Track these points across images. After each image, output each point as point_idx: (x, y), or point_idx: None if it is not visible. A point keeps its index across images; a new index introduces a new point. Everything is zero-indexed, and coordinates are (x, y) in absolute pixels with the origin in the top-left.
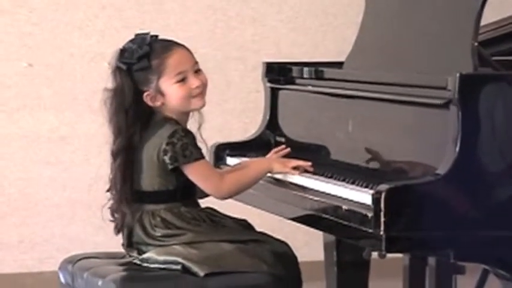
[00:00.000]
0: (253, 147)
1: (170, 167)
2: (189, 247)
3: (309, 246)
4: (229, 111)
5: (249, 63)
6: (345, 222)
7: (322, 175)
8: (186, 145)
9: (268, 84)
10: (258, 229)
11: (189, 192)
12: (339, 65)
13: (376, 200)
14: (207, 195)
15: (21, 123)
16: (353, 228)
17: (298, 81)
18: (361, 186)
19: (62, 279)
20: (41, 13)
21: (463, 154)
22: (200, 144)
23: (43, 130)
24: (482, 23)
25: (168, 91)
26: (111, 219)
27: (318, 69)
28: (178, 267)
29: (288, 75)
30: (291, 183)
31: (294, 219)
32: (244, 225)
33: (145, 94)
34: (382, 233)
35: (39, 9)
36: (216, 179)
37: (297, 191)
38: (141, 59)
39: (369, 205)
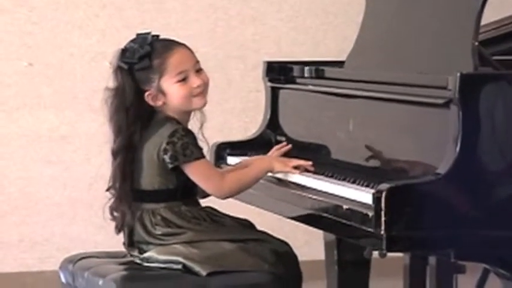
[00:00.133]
0: (254, 146)
1: (170, 166)
2: (190, 246)
3: (309, 245)
4: (230, 111)
5: (250, 62)
6: (346, 222)
7: (322, 174)
8: (186, 144)
9: (269, 84)
10: (258, 228)
11: (189, 192)
12: (339, 64)
13: (376, 199)
14: (208, 195)
15: (22, 123)
16: (354, 227)
17: (298, 80)
18: (362, 185)
19: (63, 279)
20: (41, 12)
21: (464, 153)
22: (202, 143)
23: (43, 129)
24: (483, 22)
25: (170, 90)
26: (111, 218)
27: (318, 69)
28: (179, 266)
29: (289, 75)
30: (291, 182)
31: (294, 219)
32: (245, 225)
33: (146, 94)
34: (382, 232)
35: (39, 8)
36: (216, 178)
37: (298, 190)
38: (142, 58)
39: (369, 204)
